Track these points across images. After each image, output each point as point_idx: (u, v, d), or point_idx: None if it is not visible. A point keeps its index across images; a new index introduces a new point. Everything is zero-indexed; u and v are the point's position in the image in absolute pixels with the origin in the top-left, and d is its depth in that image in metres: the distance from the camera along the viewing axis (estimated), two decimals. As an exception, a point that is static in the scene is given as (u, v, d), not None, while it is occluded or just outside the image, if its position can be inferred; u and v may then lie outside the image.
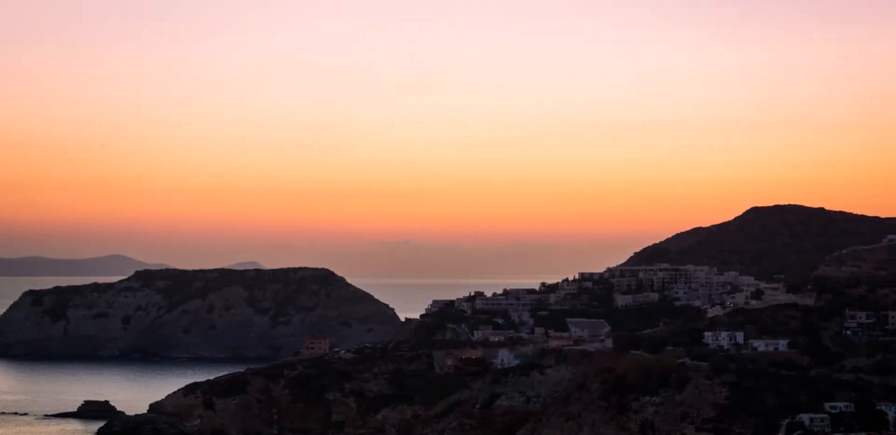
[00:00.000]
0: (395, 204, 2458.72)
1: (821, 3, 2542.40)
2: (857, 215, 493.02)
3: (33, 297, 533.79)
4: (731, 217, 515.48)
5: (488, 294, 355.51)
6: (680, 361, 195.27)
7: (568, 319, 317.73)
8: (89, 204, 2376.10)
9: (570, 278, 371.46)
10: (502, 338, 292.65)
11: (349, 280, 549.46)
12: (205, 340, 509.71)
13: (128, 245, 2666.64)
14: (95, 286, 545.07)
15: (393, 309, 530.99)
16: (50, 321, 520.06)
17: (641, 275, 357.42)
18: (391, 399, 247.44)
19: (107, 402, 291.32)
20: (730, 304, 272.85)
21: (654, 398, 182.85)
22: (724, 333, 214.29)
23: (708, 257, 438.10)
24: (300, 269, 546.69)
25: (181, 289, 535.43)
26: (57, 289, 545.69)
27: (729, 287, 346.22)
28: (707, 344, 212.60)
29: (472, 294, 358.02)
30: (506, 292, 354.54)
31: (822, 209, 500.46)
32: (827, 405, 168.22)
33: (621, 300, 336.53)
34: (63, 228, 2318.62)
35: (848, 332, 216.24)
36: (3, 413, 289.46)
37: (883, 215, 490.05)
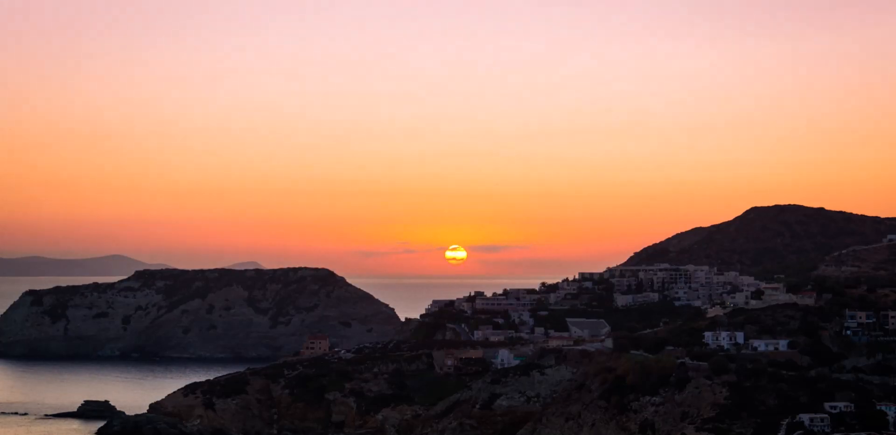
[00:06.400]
0: (395, 204, 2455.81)
1: (822, 3, 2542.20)
2: (857, 215, 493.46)
3: (33, 297, 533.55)
4: (731, 217, 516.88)
5: (488, 294, 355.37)
6: (680, 361, 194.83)
7: (568, 319, 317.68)
8: (89, 204, 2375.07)
9: (570, 278, 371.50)
10: (502, 338, 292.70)
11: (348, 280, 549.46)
12: (205, 340, 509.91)
13: (128, 245, 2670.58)
14: (95, 286, 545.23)
15: (393, 309, 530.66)
16: (50, 321, 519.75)
17: (641, 275, 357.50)
18: (391, 399, 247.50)
19: (107, 402, 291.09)
20: (730, 304, 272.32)
21: (654, 398, 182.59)
22: (724, 333, 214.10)
23: (708, 257, 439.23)
24: (300, 269, 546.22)
25: (181, 289, 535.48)
26: (57, 289, 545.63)
27: (729, 287, 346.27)
28: (707, 344, 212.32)
29: (472, 294, 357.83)
30: (506, 292, 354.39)
31: (822, 209, 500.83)
32: (827, 405, 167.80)
33: (621, 300, 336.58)
34: (63, 227, 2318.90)
35: (848, 332, 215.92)
36: (3, 413, 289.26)
37: (883, 215, 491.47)
